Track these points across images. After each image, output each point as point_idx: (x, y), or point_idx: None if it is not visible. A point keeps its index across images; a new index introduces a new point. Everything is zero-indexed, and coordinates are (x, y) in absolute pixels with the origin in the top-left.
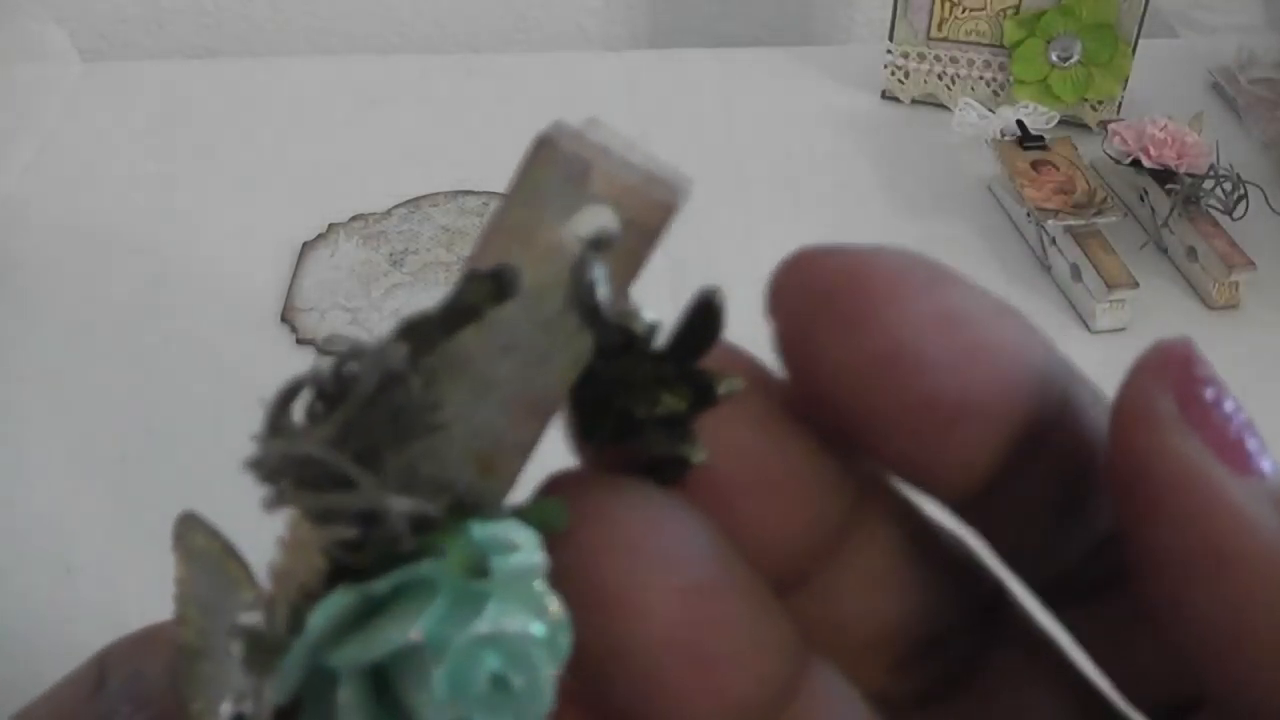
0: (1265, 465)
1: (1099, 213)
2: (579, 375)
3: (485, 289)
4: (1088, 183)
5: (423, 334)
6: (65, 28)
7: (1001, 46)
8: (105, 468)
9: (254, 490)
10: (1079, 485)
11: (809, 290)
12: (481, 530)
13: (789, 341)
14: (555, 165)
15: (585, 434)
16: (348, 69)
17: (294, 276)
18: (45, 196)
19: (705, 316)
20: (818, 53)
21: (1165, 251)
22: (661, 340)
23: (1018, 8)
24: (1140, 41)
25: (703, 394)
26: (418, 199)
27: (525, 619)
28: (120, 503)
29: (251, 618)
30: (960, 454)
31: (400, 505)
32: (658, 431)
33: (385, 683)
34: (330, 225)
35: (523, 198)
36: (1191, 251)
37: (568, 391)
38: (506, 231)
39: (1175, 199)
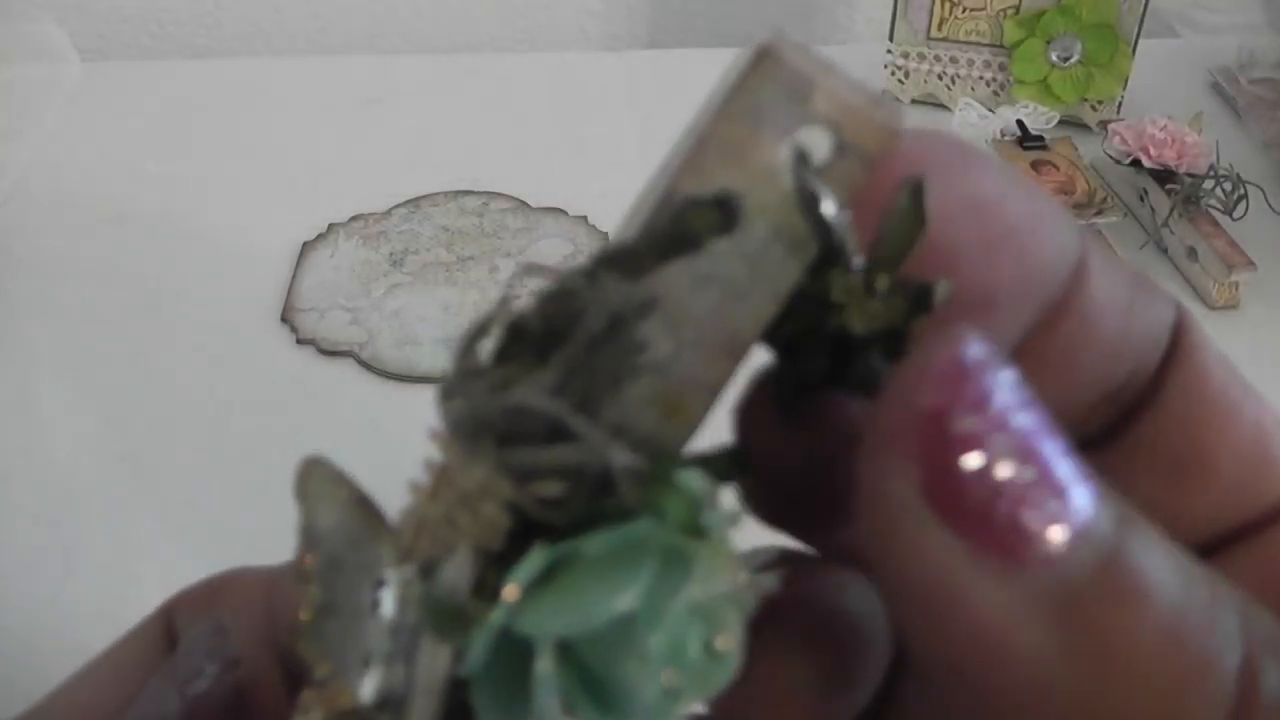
0: (1051, 544)
1: (1099, 213)
2: (778, 311)
3: (710, 218)
4: (1088, 183)
5: (632, 265)
6: (65, 28)
7: (1002, 46)
8: (105, 467)
9: (255, 489)
10: (1081, 355)
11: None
12: (688, 482)
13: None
14: (777, 80)
15: (790, 377)
16: (348, 69)
17: (294, 276)
18: (45, 196)
19: (912, 210)
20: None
21: (1165, 251)
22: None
23: (1018, 8)
24: (1140, 41)
25: (919, 300)
26: (418, 199)
27: (729, 579)
28: (120, 502)
29: (401, 575)
30: (990, 334)
31: (623, 460)
32: (878, 353)
33: (572, 651)
34: (330, 225)
35: (737, 112)
36: (1191, 251)
37: (763, 328)
38: (717, 148)
39: (1175, 199)
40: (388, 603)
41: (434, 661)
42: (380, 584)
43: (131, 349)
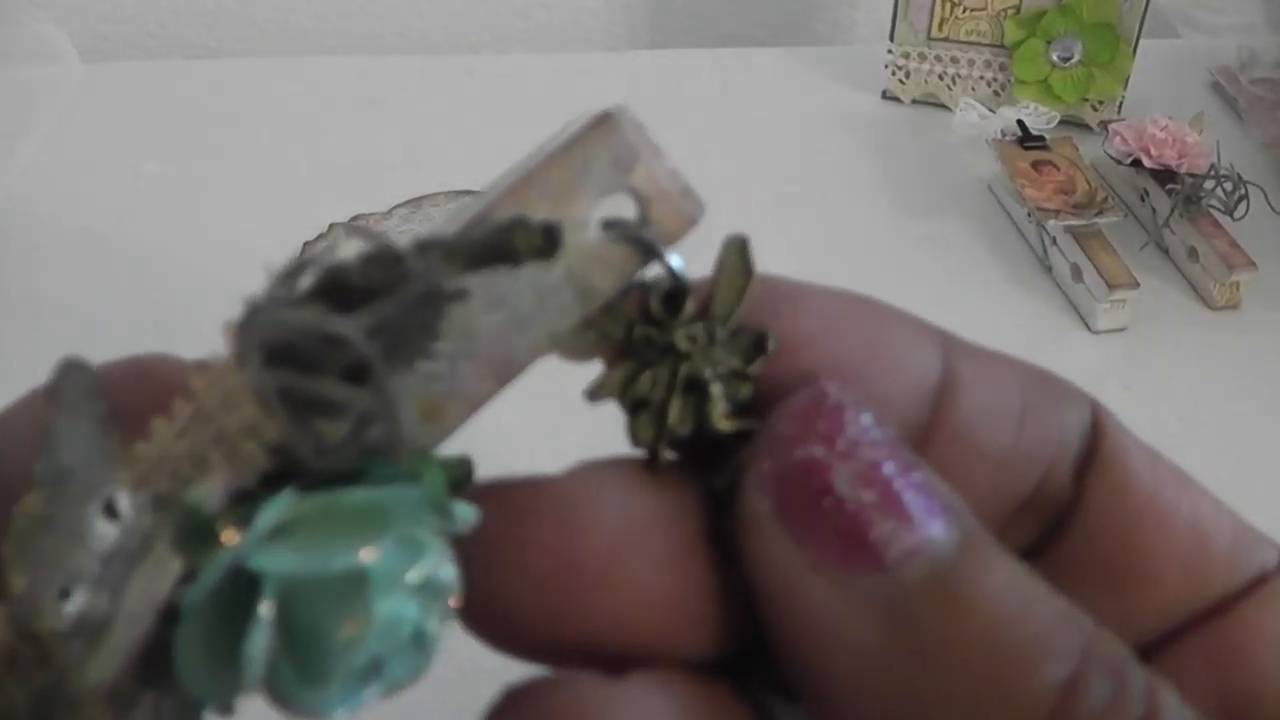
0: (884, 555)
1: (1100, 213)
2: (548, 350)
3: (534, 240)
4: (1088, 183)
5: (453, 258)
6: (65, 28)
7: (1002, 46)
8: None
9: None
10: (962, 471)
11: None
12: (450, 470)
13: None
14: (609, 146)
15: (648, 426)
16: (348, 69)
17: None
18: (45, 196)
19: (740, 262)
20: (818, 53)
21: (1166, 252)
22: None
23: (1018, 8)
24: (1141, 41)
25: (757, 345)
26: (418, 199)
27: (451, 571)
28: None
29: (136, 500)
30: None
31: (412, 419)
32: (721, 397)
33: (291, 609)
34: (331, 225)
35: (571, 163)
36: (1192, 252)
37: (532, 361)
38: (541, 187)
39: (1176, 199)
40: (107, 528)
41: (149, 588)
42: (107, 506)
43: (131, 348)
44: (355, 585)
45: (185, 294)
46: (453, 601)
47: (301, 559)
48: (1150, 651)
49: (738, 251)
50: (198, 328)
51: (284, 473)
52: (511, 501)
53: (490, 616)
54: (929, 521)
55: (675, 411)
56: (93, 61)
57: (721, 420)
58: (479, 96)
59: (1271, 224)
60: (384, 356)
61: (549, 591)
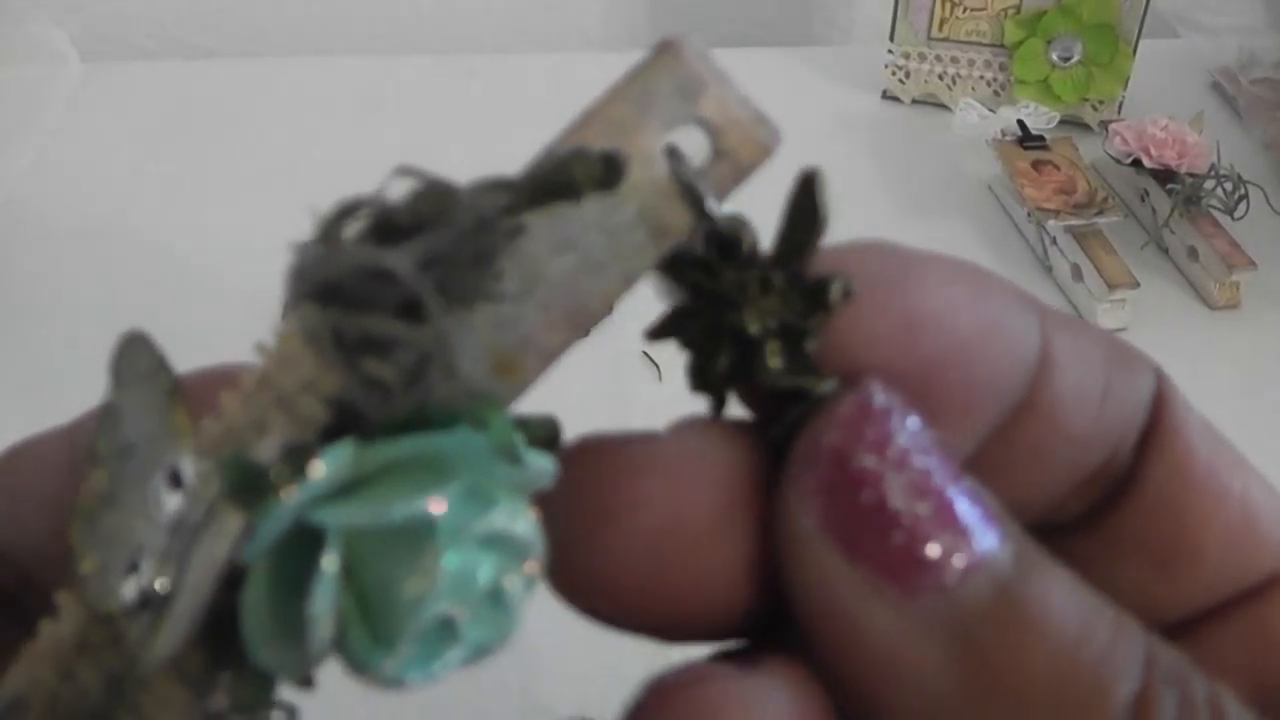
0: (944, 573)
1: (1100, 213)
2: (626, 292)
3: (594, 171)
4: (1088, 183)
5: (510, 194)
6: (65, 28)
7: (1002, 46)
8: None
9: None
10: (1049, 451)
11: None
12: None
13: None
14: (673, 75)
15: (700, 371)
16: (348, 69)
17: None
18: (45, 197)
19: (807, 202)
20: (818, 53)
21: (1166, 252)
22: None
23: (1018, 8)
24: (1141, 42)
25: (815, 297)
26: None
27: (530, 526)
28: None
29: (200, 467)
30: None
31: (467, 359)
32: (775, 352)
33: (360, 569)
34: None
35: (631, 96)
36: (1192, 251)
37: (612, 306)
38: (605, 123)
39: (1176, 199)
40: (174, 499)
41: (211, 550)
42: (172, 477)
43: None
44: (420, 536)
45: (185, 294)
46: (533, 562)
47: (362, 509)
48: (1189, 629)
49: (806, 190)
50: (198, 327)
51: (345, 427)
52: (618, 459)
53: (588, 581)
54: (985, 534)
55: (723, 363)
56: (93, 61)
57: (773, 375)
58: (479, 96)
59: (1271, 224)
60: (438, 291)
61: (658, 553)
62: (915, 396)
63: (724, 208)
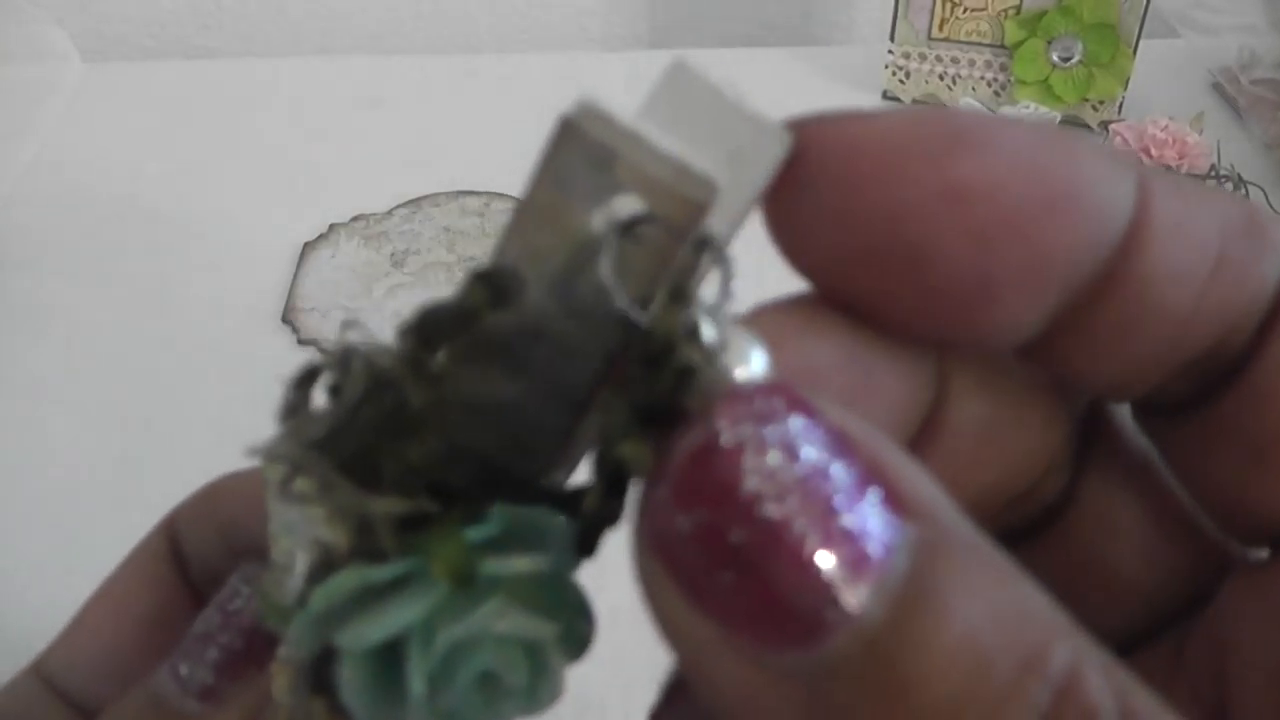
0: (820, 621)
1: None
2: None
3: (481, 293)
4: None
5: (428, 334)
6: (66, 28)
7: (1003, 47)
8: (105, 467)
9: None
10: (1140, 329)
11: (800, 174)
12: (480, 532)
13: (781, 234)
14: (580, 151)
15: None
16: (348, 69)
17: (295, 277)
18: (45, 197)
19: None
20: (818, 53)
21: None
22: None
23: (1019, 8)
24: (1141, 42)
25: (616, 477)
26: (419, 199)
27: (526, 621)
28: (121, 502)
29: (309, 553)
30: (998, 325)
31: (382, 507)
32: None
33: (396, 665)
34: (331, 225)
35: (549, 180)
36: None
37: (600, 382)
38: (535, 213)
39: None
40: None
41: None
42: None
43: (132, 349)
44: (400, 645)
45: (185, 293)
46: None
47: (355, 629)
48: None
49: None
50: (198, 327)
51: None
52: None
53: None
54: (858, 577)
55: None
56: (93, 61)
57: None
58: (479, 96)
59: None
60: (358, 454)
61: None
62: (965, 275)
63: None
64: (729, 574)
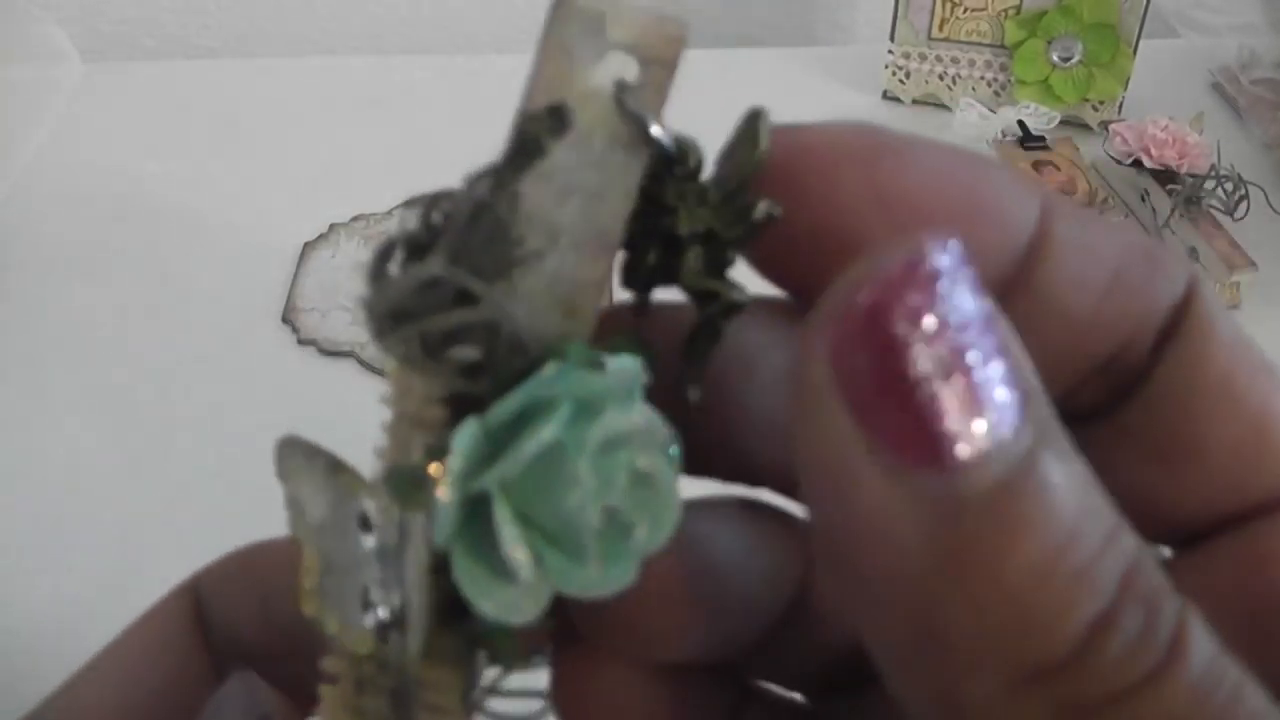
0: (948, 457)
1: (1100, 213)
2: (633, 207)
3: (544, 123)
4: (1089, 183)
5: (496, 173)
6: (66, 28)
7: (1003, 47)
8: (106, 467)
9: (256, 489)
10: (1041, 334)
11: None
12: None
13: None
14: (573, 20)
15: (632, 268)
16: (348, 69)
17: (295, 277)
18: (46, 196)
19: (749, 135)
20: (819, 53)
21: None
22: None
23: (1019, 8)
24: (1141, 42)
25: (743, 214)
26: (419, 199)
27: (644, 414)
28: (121, 501)
29: (377, 502)
30: None
31: (521, 314)
32: (697, 255)
33: (530, 510)
34: (331, 225)
35: (551, 54)
36: (1193, 252)
37: (625, 223)
38: (544, 86)
39: (1176, 199)
40: (370, 535)
41: (416, 553)
42: (364, 522)
43: (132, 349)
44: (556, 460)
45: (185, 293)
46: (662, 440)
47: (503, 463)
48: (1193, 540)
49: (750, 124)
50: (198, 327)
51: (467, 412)
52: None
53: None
54: (1003, 422)
55: (651, 259)
56: (93, 61)
57: (690, 276)
58: (479, 96)
59: (1272, 224)
60: (474, 273)
61: None
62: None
63: (675, 130)
64: (895, 392)
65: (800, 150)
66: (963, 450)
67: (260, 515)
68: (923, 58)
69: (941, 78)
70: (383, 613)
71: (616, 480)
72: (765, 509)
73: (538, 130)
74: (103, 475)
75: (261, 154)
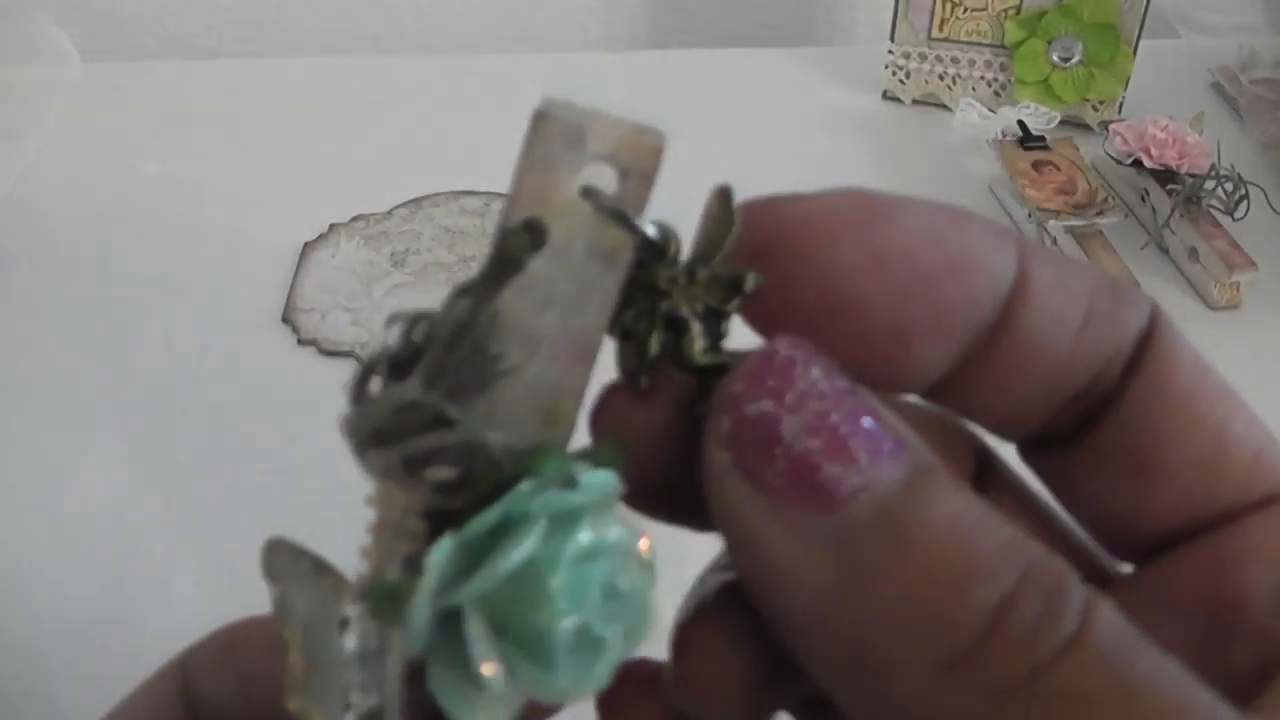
0: (845, 489)
1: (1100, 213)
2: (612, 313)
3: (522, 240)
4: (1089, 183)
5: (475, 292)
6: (66, 28)
7: (1003, 47)
8: (106, 467)
9: (256, 489)
10: (1026, 369)
11: (752, 244)
12: (560, 452)
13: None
14: (555, 134)
15: (632, 355)
16: (348, 69)
17: (295, 277)
18: (46, 197)
19: (722, 211)
20: (818, 53)
21: (1166, 252)
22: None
23: (1019, 8)
24: (1141, 42)
25: (733, 286)
26: (419, 199)
27: (620, 530)
28: (121, 501)
29: (358, 608)
30: (911, 368)
31: (496, 435)
32: (699, 334)
33: (504, 622)
34: (331, 226)
35: (532, 166)
36: (1193, 252)
37: (604, 331)
38: (525, 199)
39: (1176, 199)
40: (352, 638)
41: (394, 660)
42: (345, 625)
43: (132, 349)
44: (530, 576)
45: (185, 293)
46: (643, 547)
47: (478, 578)
48: (1161, 550)
49: (721, 201)
50: (198, 327)
51: (444, 527)
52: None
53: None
54: (875, 463)
55: (654, 344)
56: (93, 61)
57: (698, 354)
58: (479, 96)
59: (1271, 224)
60: (449, 396)
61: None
62: (886, 323)
63: (649, 218)
64: (779, 456)
65: (800, 220)
66: (842, 491)
67: (260, 515)
68: (923, 58)
69: (941, 78)
70: (362, 711)
71: (589, 596)
72: None
73: (515, 246)
74: (103, 475)
75: (261, 154)
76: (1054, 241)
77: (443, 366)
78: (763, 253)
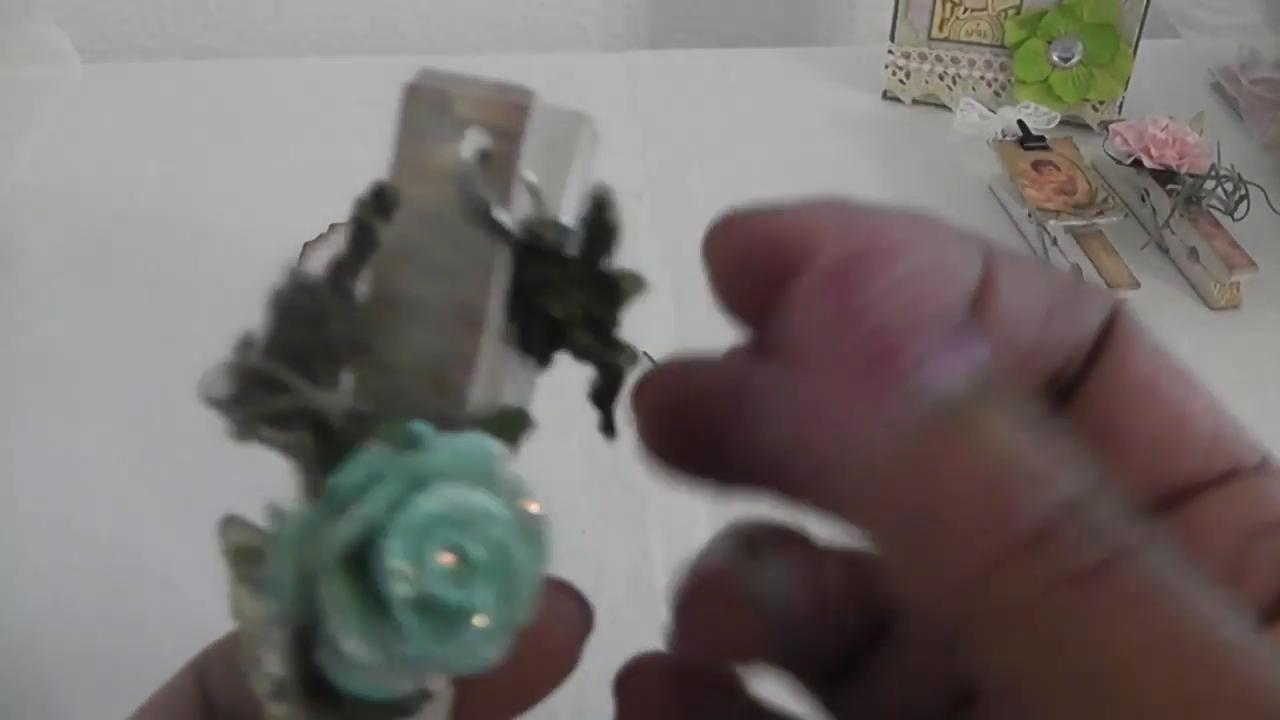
0: (911, 387)
1: (1100, 213)
2: (500, 283)
3: (368, 207)
4: (1089, 183)
5: (339, 264)
6: (66, 29)
7: (1003, 47)
8: (106, 467)
9: (256, 490)
10: (1004, 352)
11: (734, 254)
12: (424, 425)
13: (726, 295)
14: (421, 102)
15: (525, 346)
16: (348, 69)
17: None
18: (46, 197)
19: (600, 215)
20: (819, 53)
21: (1166, 252)
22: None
23: (1019, 8)
24: (1141, 41)
25: (611, 290)
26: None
27: (483, 497)
28: (121, 501)
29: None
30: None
31: (333, 402)
32: (583, 334)
33: (373, 589)
34: (331, 225)
35: (405, 138)
36: (1193, 252)
37: (492, 298)
38: (401, 170)
39: (1176, 199)
40: (266, 606)
41: (275, 620)
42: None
43: (132, 349)
44: (372, 542)
45: (185, 294)
46: (529, 514)
47: (324, 542)
48: None
49: (599, 207)
50: (197, 326)
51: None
52: None
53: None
54: (960, 354)
55: (539, 338)
56: (93, 61)
57: (584, 352)
58: None
59: (1271, 224)
60: (299, 360)
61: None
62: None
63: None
64: (869, 326)
65: (778, 233)
66: (918, 384)
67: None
68: (923, 58)
69: (941, 78)
70: (274, 684)
71: (430, 564)
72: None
73: (366, 215)
74: (103, 475)
75: (261, 154)
76: (1054, 241)
77: (282, 332)
78: (745, 265)
